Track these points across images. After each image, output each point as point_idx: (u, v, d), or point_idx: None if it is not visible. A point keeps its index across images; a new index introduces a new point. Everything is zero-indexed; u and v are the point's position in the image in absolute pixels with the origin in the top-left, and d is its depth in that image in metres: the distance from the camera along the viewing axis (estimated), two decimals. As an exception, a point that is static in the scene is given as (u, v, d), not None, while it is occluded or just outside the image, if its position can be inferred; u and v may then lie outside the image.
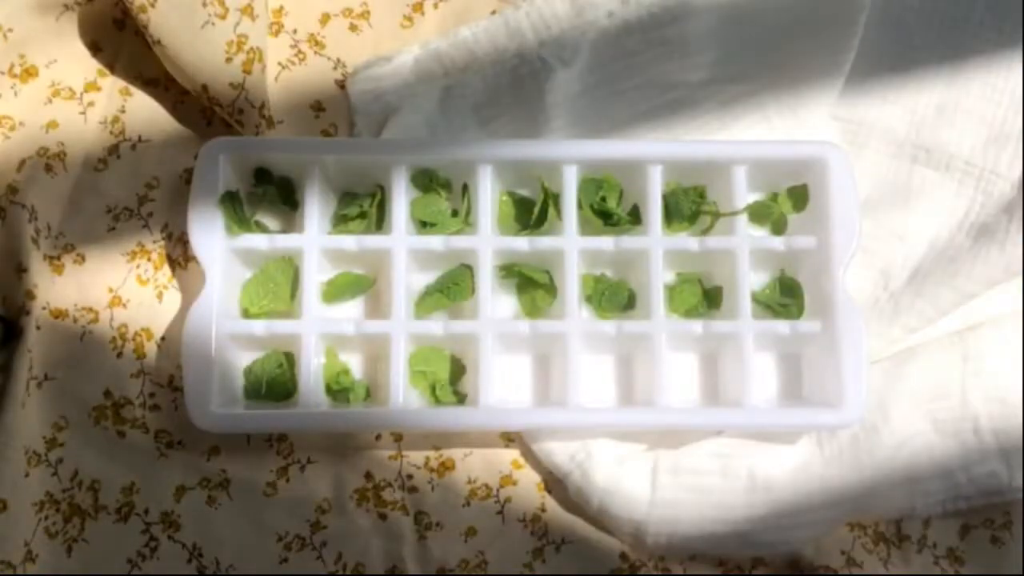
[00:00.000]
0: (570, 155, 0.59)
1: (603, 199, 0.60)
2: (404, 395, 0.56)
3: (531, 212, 0.60)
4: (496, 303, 0.59)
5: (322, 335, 0.58)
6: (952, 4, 0.63)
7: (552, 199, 0.59)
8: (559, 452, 0.59)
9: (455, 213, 0.60)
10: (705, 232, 0.61)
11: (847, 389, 0.56)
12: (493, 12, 0.64)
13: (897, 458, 0.59)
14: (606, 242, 0.59)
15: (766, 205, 0.61)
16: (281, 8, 0.64)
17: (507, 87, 0.62)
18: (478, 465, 0.60)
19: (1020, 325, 0.61)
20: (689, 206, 0.60)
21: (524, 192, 0.61)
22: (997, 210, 0.61)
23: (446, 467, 0.60)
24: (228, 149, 0.58)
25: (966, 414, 0.60)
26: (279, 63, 0.64)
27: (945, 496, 0.59)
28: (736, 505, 0.58)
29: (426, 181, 0.60)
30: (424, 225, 0.60)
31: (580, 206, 0.59)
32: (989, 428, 0.59)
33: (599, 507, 0.58)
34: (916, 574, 0.59)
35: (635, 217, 0.60)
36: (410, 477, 0.60)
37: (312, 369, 0.57)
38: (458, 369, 0.59)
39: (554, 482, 0.60)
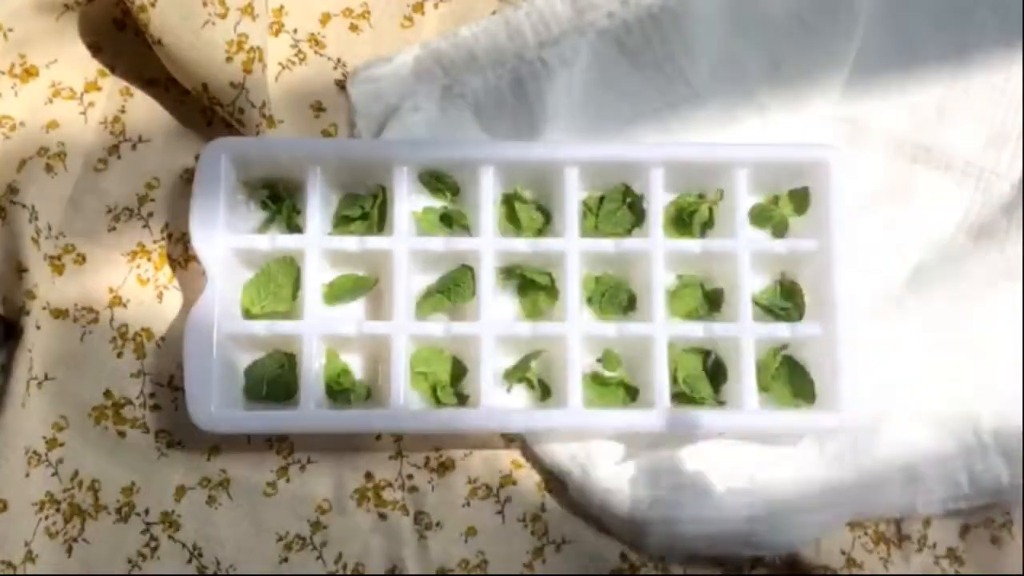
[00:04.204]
0: (570, 156, 0.59)
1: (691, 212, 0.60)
2: (405, 396, 0.56)
3: (530, 213, 0.60)
4: (497, 304, 0.58)
5: (323, 336, 0.58)
6: (952, 4, 0.63)
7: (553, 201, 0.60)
8: (560, 452, 0.59)
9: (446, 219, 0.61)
10: (706, 234, 0.61)
11: (846, 392, 0.56)
12: (493, 12, 0.64)
13: (897, 458, 0.59)
14: (607, 244, 0.59)
15: (767, 208, 0.61)
16: (281, 8, 0.64)
17: (507, 87, 0.62)
18: (478, 465, 0.60)
19: (1020, 325, 0.61)
20: (690, 208, 0.60)
21: (524, 193, 0.61)
22: (997, 210, 0.61)
23: (446, 467, 0.60)
24: (229, 149, 0.58)
25: (966, 414, 0.60)
26: (279, 63, 0.64)
27: (945, 496, 0.59)
28: (736, 505, 0.58)
29: (433, 182, 0.60)
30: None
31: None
32: (989, 428, 0.59)
33: (600, 507, 0.58)
34: (916, 574, 0.59)
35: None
36: (410, 477, 0.60)
37: (313, 370, 0.57)
38: (459, 370, 0.59)
39: (554, 482, 0.60)
